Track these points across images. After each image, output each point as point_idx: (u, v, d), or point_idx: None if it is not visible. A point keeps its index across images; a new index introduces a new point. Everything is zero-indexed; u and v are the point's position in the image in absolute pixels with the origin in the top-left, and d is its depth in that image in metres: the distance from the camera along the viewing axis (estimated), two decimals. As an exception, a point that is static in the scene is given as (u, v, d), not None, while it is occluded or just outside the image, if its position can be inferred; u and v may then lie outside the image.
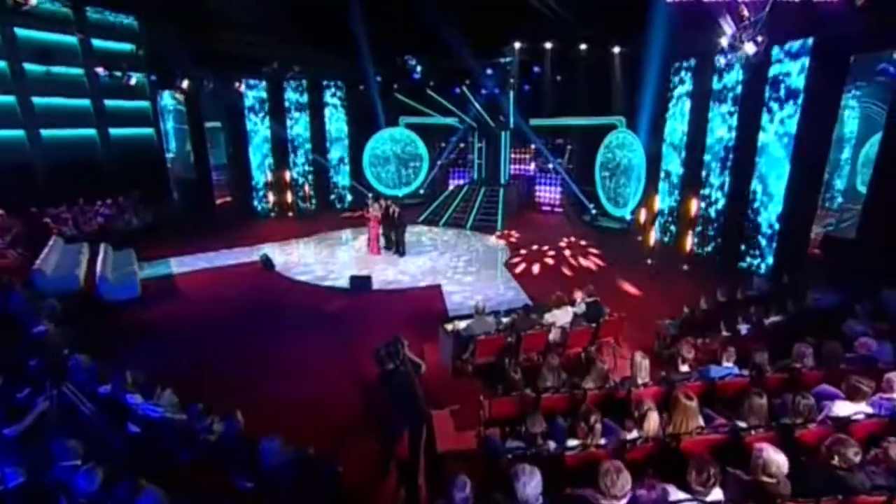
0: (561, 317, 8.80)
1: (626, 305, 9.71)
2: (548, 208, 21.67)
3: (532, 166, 22.16)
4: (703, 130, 14.65)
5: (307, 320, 11.05)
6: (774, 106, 12.61)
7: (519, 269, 13.71)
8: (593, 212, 19.35)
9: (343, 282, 12.57)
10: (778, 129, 12.58)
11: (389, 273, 13.48)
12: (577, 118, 19.61)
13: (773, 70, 12.42)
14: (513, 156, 21.47)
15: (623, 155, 18.07)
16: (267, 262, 14.77)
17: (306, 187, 21.27)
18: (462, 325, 8.65)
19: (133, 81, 16.90)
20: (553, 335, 8.55)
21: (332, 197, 22.05)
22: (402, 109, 21.70)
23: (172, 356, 9.28)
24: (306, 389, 8.21)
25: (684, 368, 6.53)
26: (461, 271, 13.55)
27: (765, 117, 12.77)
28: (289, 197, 20.77)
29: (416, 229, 18.21)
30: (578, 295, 9.31)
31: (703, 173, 14.81)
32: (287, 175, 20.66)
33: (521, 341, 8.25)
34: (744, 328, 8.32)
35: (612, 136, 18.44)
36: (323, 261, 14.46)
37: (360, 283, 12.76)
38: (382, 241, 15.44)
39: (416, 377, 6.00)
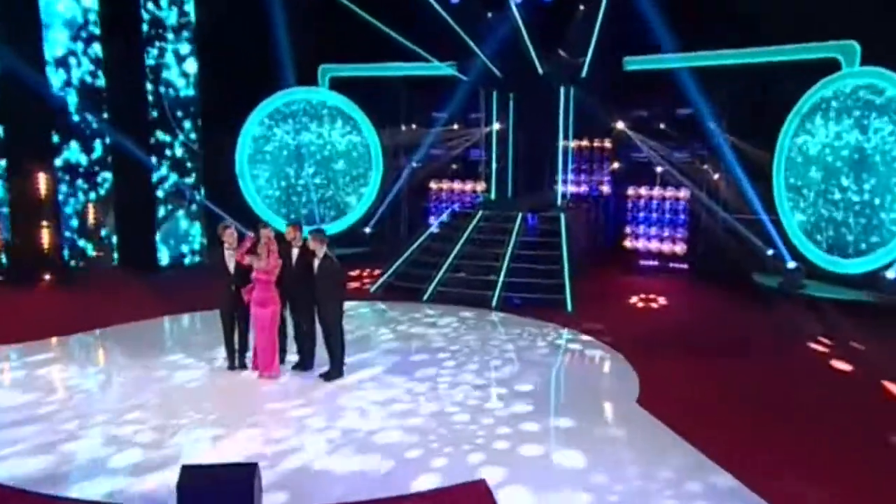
0: None
1: None
2: (650, 262, 18.05)
3: (604, 177, 19.29)
4: None
5: None
6: None
7: (686, 418, 9.23)
8: (791, 265, 15.27)
9: (173, 475, 7.16)
10: None
11: (307, 445, 8.57)
12: (737, 52, 15.86)
13: None
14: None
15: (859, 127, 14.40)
16: None
17: (91, 212, 16.92)
18: None
19: None
20: None
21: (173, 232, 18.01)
22: (325, 41, 18.27)
23: None
24: None
25: None
26: (520, 423, 9.07)
27: None
28: (47, 235, 16.18)
29: (366, 312, 14.50)
30: None
31: None
32: (42, 184, 16.18)
33: None
34: None
35: (825, 87, 14.87)
36: (124, 404, 9.71)
37: (214, 498, 6.80)
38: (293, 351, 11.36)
39: None
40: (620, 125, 18.19)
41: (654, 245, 18.03)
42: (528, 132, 17.74)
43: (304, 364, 10.29)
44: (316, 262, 9.92)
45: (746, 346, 12.08)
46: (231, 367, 10.33)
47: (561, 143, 17.32)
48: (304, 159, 19.30)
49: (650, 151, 18.19)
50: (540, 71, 16.58)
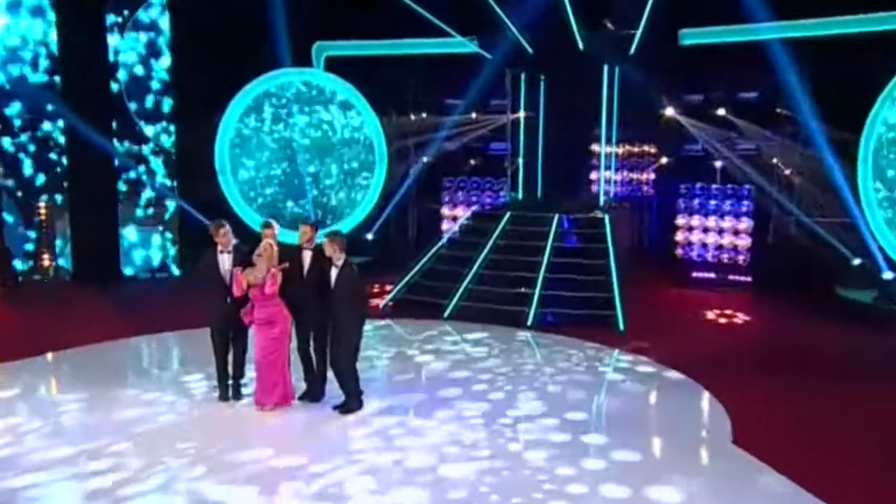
0: None
1: None
2: (706, 274, 17.17)
3: (650, 174, 19.34)
4: None
5: None
6: None
7: (799, 460, 8.29)
8: (889, 276, 14.48)
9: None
10: None
11: (320, 494, 7.92)
12: (817, 22, 14.88)
13: None
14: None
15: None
16: None
17: (42, 208, 16.77)
18: None
19: None
20: None
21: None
22: (321, 14, 17.52)
23: None
24: None
25: None
26: (593, 476, 8.15)
27: None
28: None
29: (380, 332, 14.02)
30: None
31: None
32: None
33: None
34: None
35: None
36: (89, 446, 8.78)
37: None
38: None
39: None
40: (670, 112, 17.40)
41: (710, 254, 17.23)
42: (562, 120, 16.98)
43: (313, 393, 9.57)
44: (334, 272, 9.21)
45: (848, 371, 11.24)
46: (223, 398, 9.59)
47: (603, 133, 16.35)
48: (297, 156, 18.47)
49: (706, 138, 17.36)
50: (581, 46, 15.76)
